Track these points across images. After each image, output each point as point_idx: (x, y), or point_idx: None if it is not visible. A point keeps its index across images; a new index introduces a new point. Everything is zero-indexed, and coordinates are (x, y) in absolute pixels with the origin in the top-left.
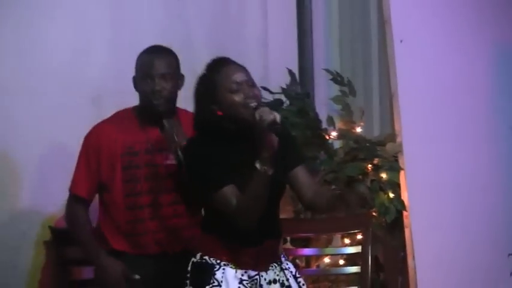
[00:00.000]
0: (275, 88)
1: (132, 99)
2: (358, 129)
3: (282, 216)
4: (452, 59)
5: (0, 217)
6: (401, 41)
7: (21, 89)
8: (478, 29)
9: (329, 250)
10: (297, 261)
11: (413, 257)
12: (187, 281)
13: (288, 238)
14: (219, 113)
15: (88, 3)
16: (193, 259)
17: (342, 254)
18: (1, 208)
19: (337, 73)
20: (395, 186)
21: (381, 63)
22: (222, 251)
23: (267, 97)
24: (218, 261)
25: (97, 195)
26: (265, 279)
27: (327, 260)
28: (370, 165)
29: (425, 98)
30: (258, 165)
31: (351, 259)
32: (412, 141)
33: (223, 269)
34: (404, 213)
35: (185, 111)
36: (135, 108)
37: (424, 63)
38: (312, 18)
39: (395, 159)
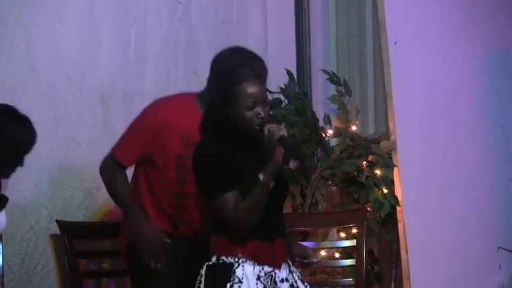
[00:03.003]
0: (274, 88)
1: (138, 98)
2: (354, 128)
3: None
4: (445, 60)
5: (9, 211)
6: (395, 43)
7: (32, 90)
8: (471, 32)
9: (325, 244)
10: None
11: (407, 250)
12: (200, 285)
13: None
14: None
15: (95, 6)
16: (207, 263)
17: (338, 248)
18: (10, 202)
19: (334, 73)
20: (389, 183)
21: (376, 64)
22: (239, 248)
23: None
24: (236, 259)
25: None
26: (278, 277)
27: (323, 253)
28: (365, 162)
29: (419, 98)
30: (261, 177)
31: (346, 252)
32: (406, 139)
33: (242, 266)
34: (398, 208)
35: None
36: (197, 95)
37: (417, 64)
38: (309, 22)
39: (390, 157)
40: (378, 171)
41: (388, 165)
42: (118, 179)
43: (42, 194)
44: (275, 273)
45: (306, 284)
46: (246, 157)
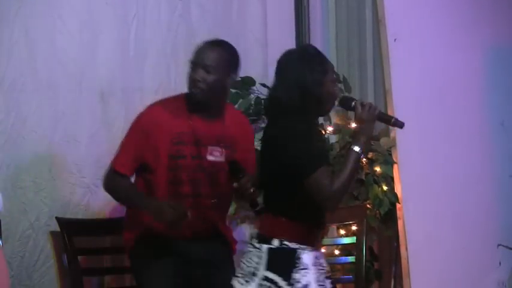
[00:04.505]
0: None
1: (138, 95)
2: (354, 125)
3: None
4: (445, 57)
5: (9, 208)
6: (395, 40)
7: (32, 87)
8: (471, 28)
9: (325, 240)
10: None
11: (406, 247)
12: (259, 266)
13: None
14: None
15: (95, 2)
16: (269, 246)
17: (338, 244)
18: (10, 200)
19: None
20: (389, 179)
21: (375, 61)
22: (302, 235)
23: (266, 93)
24: (299, 245)
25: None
26: (322, 256)
27: (323, 250)
28: (365, 159)
29: (419, 95)
30: (356, 149)
31: (346, 249)
32: (406, 136)
33: (306, 252)
34: (398, 205)
35: (233, 108)
36: (186, 95)
37: (417, 62)
38: (309, 18)
39: (389, 154)
40: (377, 168)
41: (388, 162)
42: (120, 183)
43: (41, 191)
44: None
45: None
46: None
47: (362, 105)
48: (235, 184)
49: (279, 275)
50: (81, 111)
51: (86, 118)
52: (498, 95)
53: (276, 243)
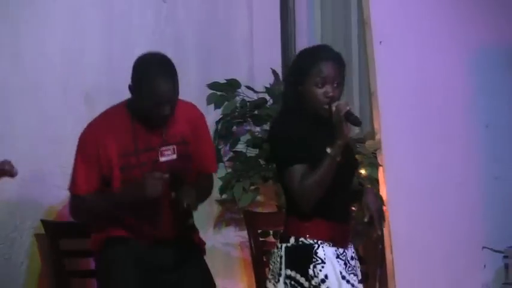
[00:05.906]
0: (260, 87)
1: (124, 97)
2: None
3: (265, 210)
4: (431, 60)
5: None
6: (380, 42)
7: (18, 88)
8: (456, 31)
9: None
10: None
11: (392, 250)
12: (282, 266)
13: (271, 231)
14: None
15: (81, 4)
16: (286, 244)
17: None
18: None
19: None
20: (375, 182)
21: (361, 64)
22: (319, 230)
23: (252, 96)
24: (315, 241)
25: None
26: (348, 255)
27: None
28: None
29: (404, 97)
30: (329, 150)
31: None
32: (391, 138)
33: (323, 247)
34: (383, 207)
35: (182, 102)
36: (126, 104)
37: (402, 64)
38: (295, 21)
39: (375, 156)
40: (363, 171)
41: (373, 164)
42: (86, 202)
43: (27, 193)
44: (346, 253)
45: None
46: (318, 133)
47: (335, 108)
48: (173, 194)
49: (297, 271)
50: (67, 113)
51: (71, 121)
52: (483, 97)
53: (292, 241)
